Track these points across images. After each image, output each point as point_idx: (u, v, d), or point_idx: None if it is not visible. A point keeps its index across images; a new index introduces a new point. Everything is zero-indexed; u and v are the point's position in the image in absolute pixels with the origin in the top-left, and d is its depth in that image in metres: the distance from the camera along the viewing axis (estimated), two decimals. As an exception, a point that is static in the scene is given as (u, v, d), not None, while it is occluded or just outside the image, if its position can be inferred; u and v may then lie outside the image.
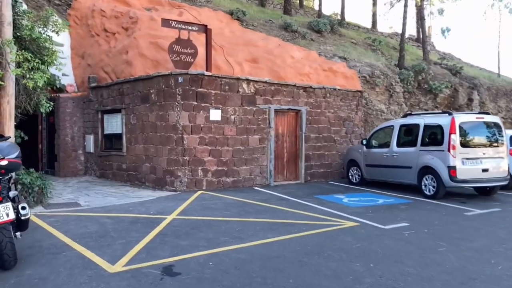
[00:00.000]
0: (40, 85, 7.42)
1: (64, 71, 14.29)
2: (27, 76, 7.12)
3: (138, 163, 11.79)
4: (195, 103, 10.75)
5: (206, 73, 10.93)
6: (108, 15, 14.18)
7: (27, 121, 14.94)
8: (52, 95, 13.75)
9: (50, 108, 8.93)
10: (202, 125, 10.86)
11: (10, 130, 7.49)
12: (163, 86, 10.86)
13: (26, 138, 9.09)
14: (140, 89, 11.67)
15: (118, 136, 12.60)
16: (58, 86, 8.86)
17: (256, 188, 11.46)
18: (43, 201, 8.67)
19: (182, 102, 10.62)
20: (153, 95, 11.18)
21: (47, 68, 7.85)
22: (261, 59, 13.85)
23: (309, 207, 8.82)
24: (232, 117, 11.39)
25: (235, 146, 11.44)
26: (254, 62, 13.73)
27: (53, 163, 13.68)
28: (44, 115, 14.03)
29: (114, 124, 12.85)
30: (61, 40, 14.29)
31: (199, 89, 10.80)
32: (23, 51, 7.50)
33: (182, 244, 5.81)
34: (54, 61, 8.06)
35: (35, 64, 7.16)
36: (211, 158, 11.00)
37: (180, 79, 10.63)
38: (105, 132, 13.20)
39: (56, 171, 13.48)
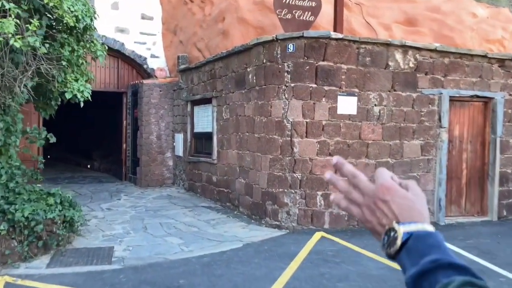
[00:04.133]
0: (18, 46, 3.96)
1: (153, 52, 11.36)
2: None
3: (231, 177, 8.03)
4: (314, 85, 6.49)
5: (334, 34, 6.54)
6: (205, -26, 10.70)
7: (112, 114, 12.44)
8: (136, 81, 10.89)
9: (83, 97, 5.62)
10: (324, 122, 6.55)
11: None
12: (264, 60, 6.85)
13: (53, 140, 5.92)
14: (235, 68, 7.85)
15: (208, 136, 9.03)
16: (101, 57, 5.36)
17: (415, 230, 6.71)
18: (61, 244, 5.35)
19: (292, 85, 6.47)
20: (250, 75, 7.26)
21: (41, 16, 4.41)
22: (421, 20, 8.93)
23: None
24: (376, 109, 6.83)
25: (379, 158, 6.86)
26: (410, 24, 8.88)
27: (135, 168, 10.77)
28: (130, 107, 11.26)
29: (204, 119, 9.33)
30: (150, 12, 11.33)
31: (321, 63, 6.50)
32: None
33: None
34: (64, 5, 4.55)
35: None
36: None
37: (291, 47, 6.47)
38: (195, 130, 9.77)
39: (137, 179, 10.53)
